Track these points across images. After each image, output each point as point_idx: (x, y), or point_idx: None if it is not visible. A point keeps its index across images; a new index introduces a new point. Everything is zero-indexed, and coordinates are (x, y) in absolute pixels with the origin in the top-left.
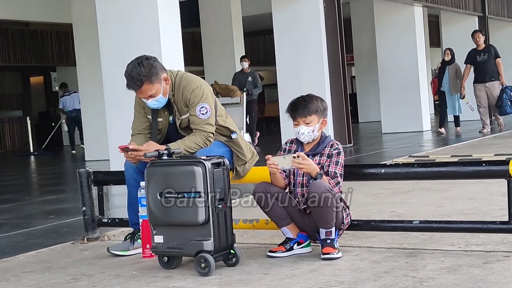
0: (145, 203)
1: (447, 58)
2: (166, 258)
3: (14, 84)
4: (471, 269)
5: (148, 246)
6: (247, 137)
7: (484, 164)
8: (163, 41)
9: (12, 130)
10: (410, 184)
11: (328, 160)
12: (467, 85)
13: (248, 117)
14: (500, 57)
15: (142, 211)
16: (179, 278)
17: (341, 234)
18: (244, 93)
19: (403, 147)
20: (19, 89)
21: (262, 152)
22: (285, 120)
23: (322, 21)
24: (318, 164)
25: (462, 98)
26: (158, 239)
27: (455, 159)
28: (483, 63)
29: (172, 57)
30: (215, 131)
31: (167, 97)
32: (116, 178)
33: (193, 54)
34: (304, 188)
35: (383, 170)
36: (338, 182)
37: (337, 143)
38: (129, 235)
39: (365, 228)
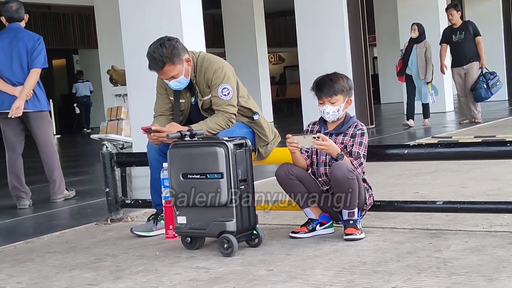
0: (168, 184)
1: (415, 35)
2: (189, 238)
3: None
4: (495, 250)
5: (171, 227)
6: None
7: (508, 145)
8: (184, 22)
9: None
10: (433, 165)
11: (352, 140)
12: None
13: None
14: (480, 35)
15: (165, 192)
16: (202, 259)
17: (363, 215)
18: None
19: (426, 128)
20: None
21: (283, 134)
22: (307, 102)
23: (344, 2)
24: (341, 143)
25: (428, 83)
26: (181, 220)
27: (479, 140)
28: (460, 43)
29: (193, 38)
30: (237, 112)
31: (189, 78)
32: (139, 159)
33: (214, 36)
34: (327, 167)
35: (406, 151)
36: (361, 163)
37: (361, 124)
38: (152, 216)
39: (388, 209)
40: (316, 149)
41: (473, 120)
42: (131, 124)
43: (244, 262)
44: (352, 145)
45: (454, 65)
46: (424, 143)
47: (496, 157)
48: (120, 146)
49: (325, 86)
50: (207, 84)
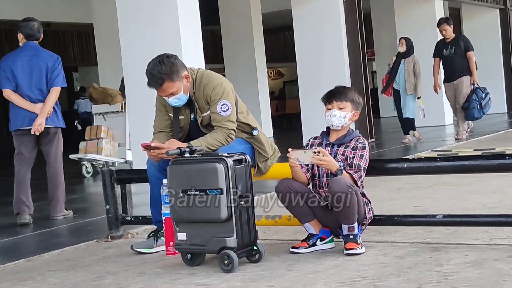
0: (168, 201)
1: (402, 49)
2: (189, 255)
3: None
4: (495, 263)
5: (171, 243)
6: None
7: (507, 158)
8: (184, 39)
9: None
10: (433, 178)
11: (353, 152)
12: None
13: None
14: (472, 50)
15: (165, 209)
16: (203, 275)
17: (363, 229)
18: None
19: (425, 142)
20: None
21: (283, 149)
22: (307, 117)
23: (342, 17)
24: (342, 155)
25: (418, 98)
26: (181, 236)
27: (478, 153)
28: (450, 58)
29: (192, 55)
30: (236, 128)
31: (188, 95)
32: (139, 176)
33: (213, 52)
34: (330, 178)
35: (405, 165)
36: (361, 176)
37: (363, 138)
38: (153, 233)
39: (388, 223)
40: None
41: (456, 136)
42: (130, 140)
43: (245, 278)
44: (353, 157)
45: (445, 80)
46: (423, 157)
47: (496, 170)
48: (101, 166)
49: (338, 91)
50: (206, 100)
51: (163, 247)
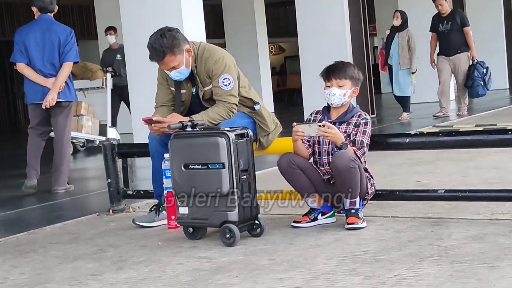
0: (170, 175)
1: (397, 22)
2: (191, 229)
3: None
4: (496, 238)
5: (173, 217)
6: (113, 132)
7: (509, 133)
8: (184, 13)
9: None
10: (434, 154)
11: (355, 129)
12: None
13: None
14: (468, 25)
15: (167, 183)
16: (205, 248)
17: (365, 204)
18: (108, 74)
19: (426, 118)
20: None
21: (285, 124)
22: (308, 92)
23: None
24: (344, 132)
25: (412, 73)
26: (183, 210)
27: (480, 128)
28: (446, 34)
29: (193, 29)
30: (238, 102)
31: (190, 69)
32: (140, 150)
33: (214, 27)
34: (330, 156)
35: (407, 140)
36: (364, 152)
37: (365, 113)
38: (154, 207)
39: (390, 198)
40: (319, 138)
41: (458, 113)
42: (132, 115)
43: (246, 252)
44: (356, 134)
45: (440, 53)
46: (425, 132)
47: (497, 146)
48: (81, 144)
49: (336, 68)
50: (208, 74)
51: (165, 221)
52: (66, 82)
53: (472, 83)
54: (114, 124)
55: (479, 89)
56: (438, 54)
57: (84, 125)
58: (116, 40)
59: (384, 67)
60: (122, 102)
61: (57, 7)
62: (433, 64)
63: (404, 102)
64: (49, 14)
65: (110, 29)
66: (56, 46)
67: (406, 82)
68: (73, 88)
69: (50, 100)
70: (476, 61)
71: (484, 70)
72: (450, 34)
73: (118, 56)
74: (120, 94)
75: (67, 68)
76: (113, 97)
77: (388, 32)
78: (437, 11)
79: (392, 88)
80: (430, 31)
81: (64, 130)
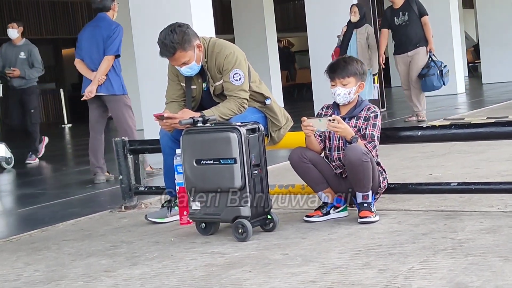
0: (181, 171)
1: (354, 18)
2: (203, 224)
3: (47, 56)
4: (511, 230)
5: (185, 213)
6: (1, 149)
7: None
8: (194, 8)
9: (46, 102)
10: (446, 147)
11: (365, 123)
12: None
13: (23, 115)
14: (427, 14)
15: (179, 179)
16: (217, 244)
17: (378, 198)
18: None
19: (438, 110)
20: (51, 61)
21: (294, 119)
22: (317, 87)
23: None
24: (354, 127)
25: (374, 75)
26: (195, 205)
27: (492, 121)
28: (404, 27)
29: (203, 25)
30: (249, 97)
31: (201, 64)
32: (152, 146)
33: (223, 22)
34: (341, 152)
35: (419, 133)
36: (375, 145)
37: (374, 106)
38: (166, 203)
39: (402, 191)
40: (329, 134)
41: (417, 117)
42: (142, 111)
43: (259, 247)
44: (366, 128)
45: (397, 52)
46: (437, 125)
47: (510, 138)
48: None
49: (338, 67)
50: (219, 69)
51: (177, 217)
52: (108, 76)
53: (427, 71)
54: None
55: (434, 78)
56: (395, 53)
57: None
58: (19, 34)
59: None
60: None
61: (115, 5)
62: (383, 60)
63: None
64: (104, 12)
65: (13, 22)
66: (101, 42)
67: (368, 85)
68: (119, 81)
69: (88, 93)
70: (433, 56)
71: (443, 65)
72: (408, 26)
73: (22, 54)
74: (21, 99)
75: (106, 61)
76: (13, 102)
77: (344, 28)
78: (390, 4)
79: None
80: (382, 27)
81: (122, 122)
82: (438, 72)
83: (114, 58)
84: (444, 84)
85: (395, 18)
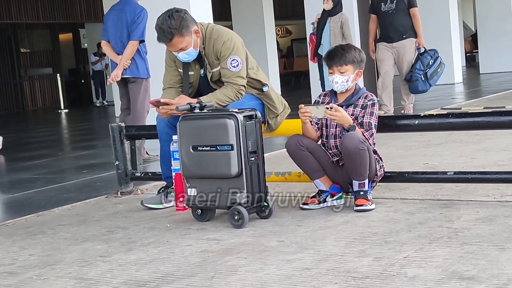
0: (178, 157)
1: (328, 6)
2: (199, 210)
3: (44, 41)
4: (506, 220)
5: (181, 199)
6: None
7: None
8: None
9: (43, 87)
10: (442, 136)
11: (363, 111)
12: None
13: None
14: (416, 6)
15: (175, 165)
16: (213, 230)
17: (374, 186)
18: None
19: (435, 100)
20: (48, 46)
21: (292, 107)
22: (315, 75)
23: None
24: (352, 115)
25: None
26: (192, 192)
27: (489, 110)
28: (390, 15)
29: (201, 11)
30: (246, 84)
31: (198, 50)
32: (148, 132)
33: (221, 9)
34: (337, 140)
35: (416, 121)
36: (372, 134)
37: (371, 95)
38: (162, 189)
39: (399, 180)
40: (326, 121)
41: (403, 111)
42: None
43: (255, 234)
44: (363, 116)
45: (381, 39)
46: (435, 114)
47: (506, 127)
48: None
49: (336, 55)
50: (216, 55)
51: (173, 203)
52: (134, 59)
53: (411, 76)
54: None
55: (419, 84)
56: (378, 41)
57: None
58: None
59: (314, 57)
60: None
61: None
62: (373, 52)
63: None
64: None
65: None
66: (125, 25)
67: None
68: (144, 64)
69: (114, 76)
70: (423, 49)
71: (431, 61)
72: (394, 15)
73: None
74: None
75: (130, 46)
76: None
77: (318, 16)
78: None
79: (323, 84)
80: (369, 12)
81: (137, 105)
82: (421, 76)
83: (139, 43)
84: (430, 85)
85: (382, 4)
